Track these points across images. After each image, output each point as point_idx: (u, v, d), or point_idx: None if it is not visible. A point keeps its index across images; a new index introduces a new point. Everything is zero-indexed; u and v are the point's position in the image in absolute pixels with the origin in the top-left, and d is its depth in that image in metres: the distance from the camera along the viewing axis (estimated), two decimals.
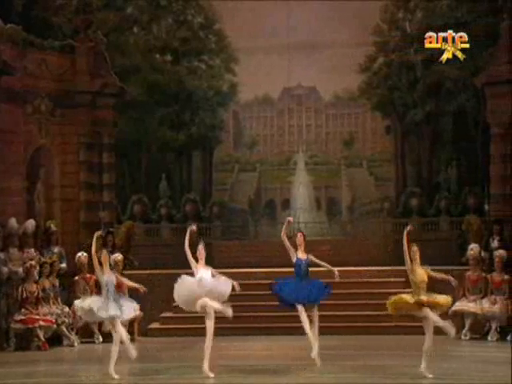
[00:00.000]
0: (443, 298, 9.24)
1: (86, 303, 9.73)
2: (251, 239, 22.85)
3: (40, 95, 15.49)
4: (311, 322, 9.76)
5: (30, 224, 14.24)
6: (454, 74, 21.54)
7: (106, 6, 21.77)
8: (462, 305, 13.35)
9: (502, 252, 13.63)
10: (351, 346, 12.20)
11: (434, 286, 9.41)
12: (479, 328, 13.40)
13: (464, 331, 13.17)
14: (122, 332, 9.35)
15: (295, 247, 10.10)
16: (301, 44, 25.42)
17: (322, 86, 26.26)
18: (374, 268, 15.94)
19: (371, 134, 26.52)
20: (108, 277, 9.51)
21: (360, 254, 18.12)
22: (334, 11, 24.42)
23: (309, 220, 24.45)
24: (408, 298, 9.23)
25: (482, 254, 13.96)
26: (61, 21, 18.24)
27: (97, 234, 10.03)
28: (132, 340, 13.31)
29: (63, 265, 14.20)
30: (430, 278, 9.29)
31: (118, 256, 14.12)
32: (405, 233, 9.47)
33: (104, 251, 9.83)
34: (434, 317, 9.08)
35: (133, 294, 10.57)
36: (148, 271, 15.26)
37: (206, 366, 9.19)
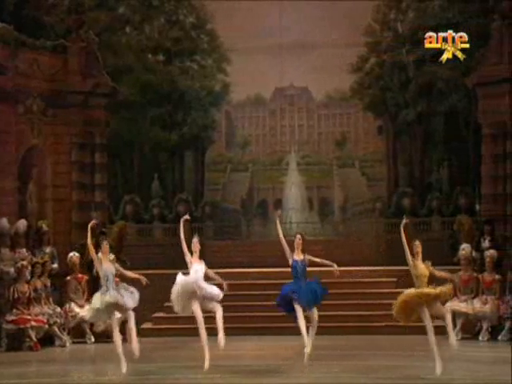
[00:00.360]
0: (445, 288, 9.24)
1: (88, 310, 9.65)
2: (244, 239, 22.86)
3: (32, 95, 15.46)
4: (309, 322, 9.70)
5: (22, 224, 14.21)
6: (445, 74, 21.61)
7: (98, 5, 21.74)
8: (454, 305, 13.39)
9: (492, 252, 13.68)
10: (343, 346, 12.23)
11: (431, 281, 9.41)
12: (470, 328, 13.44)
13: (455, 331, 13.20)
14: (115, 333, 9.33)
15: (292, 248, 10.04)
16: (293, 44, 25.44)
17: (314, 87, 26.30)
18: (366, 268, 15.97)
19: (363, 135, 26.57)
20: (107, 267, 9.47)
21: (352, 254, 18.16)
22: (326, 12, 24.45)
23: (301, 220, 24.48)
24: (414, 296, 9.11)
25: (474, 254, 14.00)
26: (53, 20, 18.21)
27: (91, 223, 9.95)
28: (124, 340, 13.37)
29: (55, 265, 14.18)
30: (430, 274, 9.30)
31: (110, 256, 14.11)
32: (401, 226, 9.44)
33: (104, 242, 9.79)
34: (448, 318, 9.11)
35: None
36: (140, 271, 15.23)
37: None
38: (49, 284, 13.53)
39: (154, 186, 23.53)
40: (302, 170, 26.03)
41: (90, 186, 16.34)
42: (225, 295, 12.39)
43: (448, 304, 13.45)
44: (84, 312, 12.39)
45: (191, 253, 9.56)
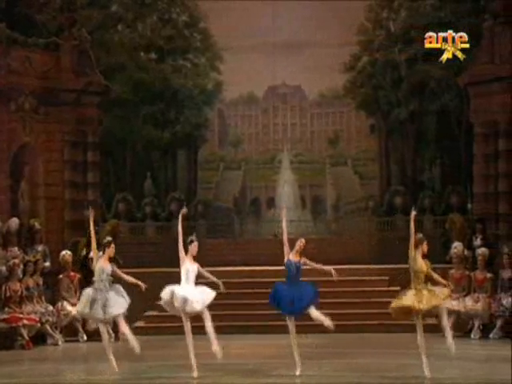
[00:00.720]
0: (441, 294, 9.18)
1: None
2: (236, 237, 22.87)
3: (24, 93, 15.43)
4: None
5: (14, 222, 14.18)
6: (437, 73, 21.67)
7: (91, 3, 21.69)
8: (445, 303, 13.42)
9: (484, 250, 13.73)
10: (335, 344, 12.24)
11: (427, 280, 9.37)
12: (462, 326, 13.48)
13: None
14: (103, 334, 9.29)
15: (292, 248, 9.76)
16: (286, 43, 25.46)
17: (307, 85, 26.34)
18: (358, 266, 16.00)
19: (356, 133, 26.62)
20: (104, 266, 9.33)
21: (345, 252, 18.19)
22: (318, 11, 24.48)
23: (294, 218, 24.49)
24: (409, 300, 9.06)
25: (465, 252, 14.05)
26: (45, 18, 18.17)
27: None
28: (117, 339, 13.36)
29: (47, 263, 14.15)
30: (427, 273, 9.25)
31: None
32: (412, 217, 9.34)
33: (112, 244, 9.63)
34: (444, 319, 9.10)
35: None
36: (133, 269, 15.22)
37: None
38: (41, 282, 13.50)
39: (147, 184, 23.51)
40: (294, 168, 26.07)
41: (82, 185, 16.32)
42: (217, 293, 12.40)
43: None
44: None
45: (186, 251, 9.48)
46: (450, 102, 22.19)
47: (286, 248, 9.76)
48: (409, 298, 9.10)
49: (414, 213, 9.36)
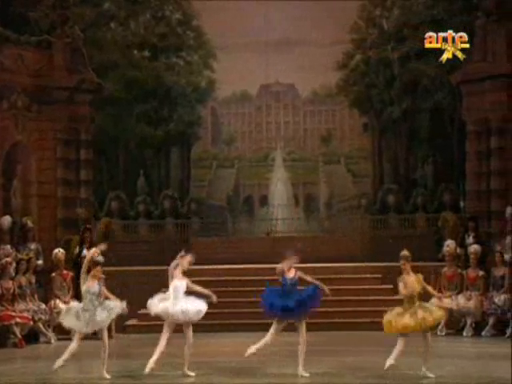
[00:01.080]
0: (437, 315, 9.06)
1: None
2: (229, 236, 22.87)
3: (16, 91, 15.37)
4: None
5: (6, 220, 14.14)
6: (430, 71, 21.72)
7: (83, 1, 21.63)
8: (438, 301, 13.46)
9: (477, 248, 13.75)
10: (327, 341, 12.26)
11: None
12: (455, 324, 13.52)
13: (440, 327, 13.28)
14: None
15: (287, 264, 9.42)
16: (279, 41, 25.47)
17: (300, 83, 26.37)
18: (351, 264, 16.02)
19: (349, 131, 26.66)
20: (92, 285, 9.22)
21: (337, 250, 18.21)
22: (311, 9, 24.51)
23: (287, 216, 24.52)
24: (402, 320, 8.94)
25: (458, 250, 14.07)
26: (37, 16, 18.10)
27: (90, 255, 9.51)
28: (110, 337, 13.34)
29: (40, 261, 14.12)
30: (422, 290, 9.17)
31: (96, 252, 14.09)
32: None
33: (98, 267, 9.51)
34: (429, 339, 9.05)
35: None
36: (126, 268, 15.23)
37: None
38: (34, 281, 13.47)
39: (140, 182, 23.49)
40: (287, 166, 26.11)
41: (75, 183, 16.28)
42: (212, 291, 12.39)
43: (432, 300, 13.56)
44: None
45: (177, 265, 9.36)
46: (443, 100, 22.24)
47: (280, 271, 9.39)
48: (405, 320, 9.01)
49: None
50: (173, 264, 9.44)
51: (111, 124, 22.99)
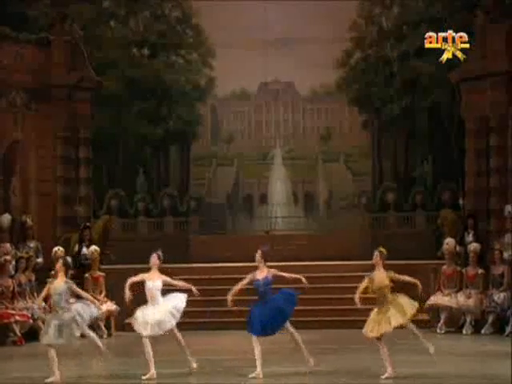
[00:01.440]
0: (409, 308, 8.90)
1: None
2: (229, 234, 22.88)
3: (15, 88, 15.36)
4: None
5: (6, 218, 14.14)
6: (429, 69, 21.71)
7: None
8: (438, 299, 13.47)
9: (476, 246, 13.75)
10: (325, 340, 12.26)
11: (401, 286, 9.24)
12: (454, 322, 13.52)
13: (439, 325, 13.30)
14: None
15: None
16: (278, 39, 25.48)
17: (299, 81, 26.38)
18: (350, 262, 16.01)
19: (348, 129, 26.67)
20: (57, 286, 9.05)
21: (337, 248, 18.21)
22: (310, 7, 24.51)
23: (286, 214, 24.53)
24: (377, 322, 8.88)
25: (457, 248, 14.06)
26: (36, 14, 18.10)
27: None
28: (109, 335, 13.34)
29: (39, 259, 14.11)
30: (394, 280, 9.10)
31: (95, 251, 14.10)
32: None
33: (61, 260, 9.38)
34: (414, 329, 8.99)
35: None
36: (125, 266, 15.21)
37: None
38: (33, 279, 13.46)
39: (139, 180, 23.50)
40: (287, 164, 26.11)
41: (74, 181, 16.27)
42: (209, 289, 12.40)
43: (432, 298, 13.56)
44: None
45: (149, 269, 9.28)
46: (442, 98, 22.24)
47: (247, 280, 9.18)
48: (368, 323, 8.99)
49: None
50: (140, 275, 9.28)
51: (111, 122, 22.98)
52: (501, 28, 15.49)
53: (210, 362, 9.91)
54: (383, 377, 8.81)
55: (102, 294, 13.58)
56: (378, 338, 8.92)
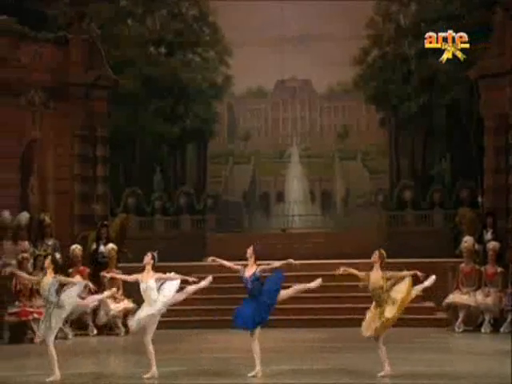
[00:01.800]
0: (402, 294, 8.88)
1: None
2: (245, 232, 22.87)
3: (34, 87, 15.44)
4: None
5: (24, 216, 14.21)
6: (447, 66, 21.56)
7: None
8: (456, 297, 13.39)
9: (495, 244, 13.65)
10: (337, 338, 12.21)
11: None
12: (472, 320, 13.43)
13: (457, 323, 13.21)
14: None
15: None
16: (295, 37, 25.42)
17: (316, 79, 26.29)
18: (367, 260, 15.93)
19: (365, 127, 26.55)
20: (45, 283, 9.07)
21: (354, 246, 18.14)
22: (327, 4, 24.42)
23: (303, 212, 24.48)
24: (375, 319, 8.89)
25: (476, 246, 13.97)
26: (55, 13, 18.16)
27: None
28: (126, 333, 13.37)
29: (57, 257, 14.16)
30: (392, 278, 9.03)
31: (112, 249, 14.16)
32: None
33: (49, 257, 9.42)
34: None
35: None
36: (142, 264, 15.22)
37: None
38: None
39: (156, 178, 23.54)
40: (303, 162, 26.04)
41: (91, 179, 16.33)
42: (224, 288, 12.35)
43: (450, 296, 13.48)
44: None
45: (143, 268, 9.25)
46: (460, 95, 22.08)
47: (235, 269, 9.20)
48: (364, 323, 9.00)
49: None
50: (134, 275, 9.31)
51: (128, 120, 23.05)
52: None
53: (216, 360, 9.88)
54: (379, 374, 8.79)
55: (119, 292, 13.62)
56: (375, 337, 8.88)
